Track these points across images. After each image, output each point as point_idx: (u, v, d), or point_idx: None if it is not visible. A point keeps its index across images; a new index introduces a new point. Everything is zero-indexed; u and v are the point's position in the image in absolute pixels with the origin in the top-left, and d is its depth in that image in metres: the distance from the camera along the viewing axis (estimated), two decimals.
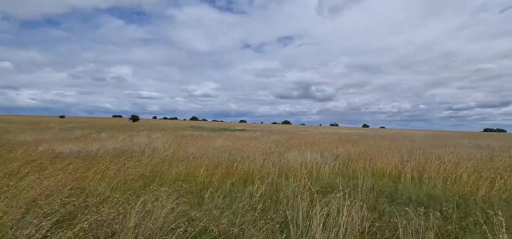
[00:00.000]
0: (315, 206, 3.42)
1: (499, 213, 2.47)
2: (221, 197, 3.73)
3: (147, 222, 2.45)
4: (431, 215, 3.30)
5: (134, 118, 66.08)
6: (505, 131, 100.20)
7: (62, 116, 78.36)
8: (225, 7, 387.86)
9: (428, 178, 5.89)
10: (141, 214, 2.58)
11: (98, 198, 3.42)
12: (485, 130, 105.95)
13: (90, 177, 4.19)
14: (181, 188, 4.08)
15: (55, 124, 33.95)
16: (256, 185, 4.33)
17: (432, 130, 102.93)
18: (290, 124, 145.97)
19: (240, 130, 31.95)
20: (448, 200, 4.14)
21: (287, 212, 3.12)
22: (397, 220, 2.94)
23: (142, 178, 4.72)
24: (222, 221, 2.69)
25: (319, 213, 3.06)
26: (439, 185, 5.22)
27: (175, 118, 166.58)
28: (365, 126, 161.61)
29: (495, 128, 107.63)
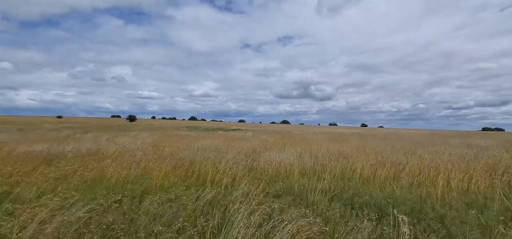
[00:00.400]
0: (254, 213, 3.21)
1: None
2: (160, 203, 3.51)
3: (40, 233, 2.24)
4: (379, 221, 3.10)
5: (131, 118, 65.97)
6: (503, 130, 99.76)
7: (59, 117, 78.13)
8: (225, 7, 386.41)
9: (394, 179, 5.69)
10: (44, 225, 2.37)
11: (24, 204, 3.19)
12: (484, 129, 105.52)
13: (24, 181, 3.96)
14: (123, 192, 3.86)
15: (49, 124, 33.67)
16: (207, 189, 4.11)
17: (430, 129, 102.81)
18: (289, 123, 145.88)
19: (234, 130, 31.74)
20: (406, 203, 3.92)
21: (218, 215, 2.90)
22: (336, 229, 2.72)
23: (88, 181, 4.49)
24: (135, 230, 2.48)
25: (252, 222, 2.85)
26: (405, 187, 5.02)
27: (174, 118, 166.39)
28: (363, 125, 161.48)
29: (493, 127, 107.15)
